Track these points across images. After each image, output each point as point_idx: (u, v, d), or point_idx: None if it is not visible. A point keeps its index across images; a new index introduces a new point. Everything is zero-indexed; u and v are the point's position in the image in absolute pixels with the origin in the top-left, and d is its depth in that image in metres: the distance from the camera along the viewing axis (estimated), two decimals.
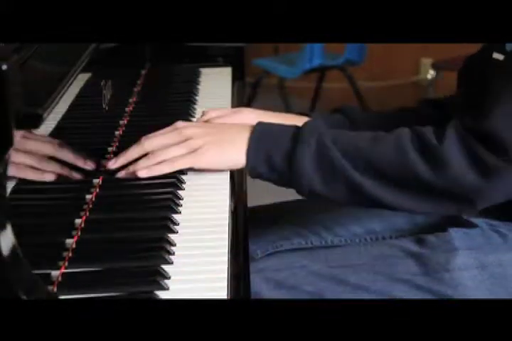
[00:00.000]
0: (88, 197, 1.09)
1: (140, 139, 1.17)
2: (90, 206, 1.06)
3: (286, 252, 1.33)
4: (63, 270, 0.91)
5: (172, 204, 1.06)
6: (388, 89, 4.27)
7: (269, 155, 1.12)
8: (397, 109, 1.40)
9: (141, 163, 1.14)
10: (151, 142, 1.16)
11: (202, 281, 0.89)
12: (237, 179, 1.20)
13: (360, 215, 1.37)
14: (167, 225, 1.01)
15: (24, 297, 0.78)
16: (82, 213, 1.04)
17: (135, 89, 1.57)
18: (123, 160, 1.16)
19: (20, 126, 0.82)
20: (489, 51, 1.21)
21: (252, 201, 1.27)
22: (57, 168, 1.14)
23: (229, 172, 1.17)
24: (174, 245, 0.97)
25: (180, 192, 1.11)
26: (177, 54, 1.72)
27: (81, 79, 1.28)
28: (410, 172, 1.08)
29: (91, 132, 1.35)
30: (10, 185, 1.08)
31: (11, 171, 0.83)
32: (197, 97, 1.55)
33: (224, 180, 1.15)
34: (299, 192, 1.14)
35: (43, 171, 1.13)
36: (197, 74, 1.68)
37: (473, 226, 1.23)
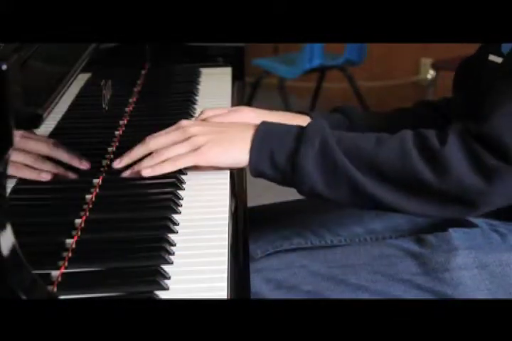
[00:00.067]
0: (88, 197, 1.09)
1: (145, 139, 1.17)
2: (90, 206, 1.06)
3: (286, 252, 1.32)
4: (63, 270, 0.91)
5: (172, 204, 1.06)
6: (388, 89, 4.27)
7: (272, 155, 1.12)
8: (394, 109, 1.41)
9: (145, 162, 1.14)
10: (156, 141, 1.16)
11: (202, 281, 0.89)
12: (237, 179, 1.20)
13: (360, 215, 1.37)
14: (167, 225, 1.01)
15: (24, 297, 0.78)
16: (82, 213, 1.04)
17: (135, 89, 1.57)
18: (128, 160, 1.16)
19: (20, 126, 0.82)
20: (485, 53, 1.21)
21: (252, 201, 1.27)
22: (52, 168, 1.14)
23: (229, 173, 1.17)
24: (174, 245, 0.97)
25: (180, 192, 1.11)
26: (177, 54, 1.72)
27: (81, 79, 1.28)
28: (414, 176, 1.08)
29: (91, 132, 1.34)
30: (10, 185, 1.08)
31: (8, 170, 0.83)
32: (197, 97, 1.55)
33: (224, 180, 1.15)
34: (300, 192, 1.14)
35: (40, 170, 1.13)
36: (197, 74, 1.68)
37: (473, 226, 1.23)
